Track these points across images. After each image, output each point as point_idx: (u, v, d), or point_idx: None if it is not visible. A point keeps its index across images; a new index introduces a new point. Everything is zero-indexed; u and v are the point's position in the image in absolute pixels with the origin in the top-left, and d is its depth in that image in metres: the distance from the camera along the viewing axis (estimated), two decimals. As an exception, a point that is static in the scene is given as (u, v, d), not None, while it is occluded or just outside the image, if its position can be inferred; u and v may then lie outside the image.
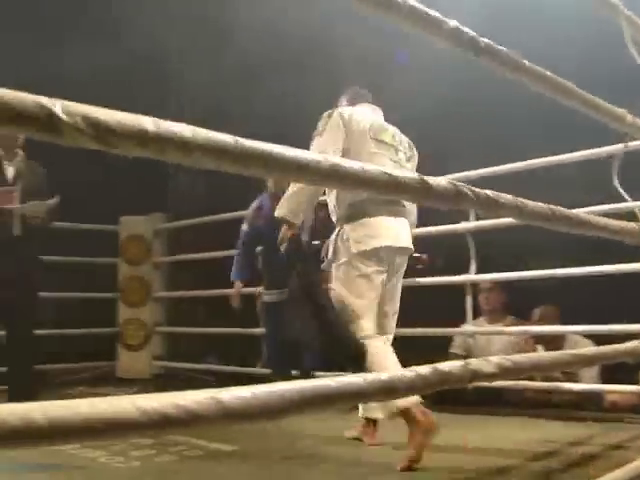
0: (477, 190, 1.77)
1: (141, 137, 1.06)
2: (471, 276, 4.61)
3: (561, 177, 4.43)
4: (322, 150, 3.25)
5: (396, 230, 3.47)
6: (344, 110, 3.62)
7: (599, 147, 4.08)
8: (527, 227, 4.13)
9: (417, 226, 4.82)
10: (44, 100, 1.01)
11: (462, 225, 4.64)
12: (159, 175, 7.59)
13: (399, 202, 3.53)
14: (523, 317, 4.90)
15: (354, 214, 3.43)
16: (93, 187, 6.46)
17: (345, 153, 3.37)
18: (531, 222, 2.13)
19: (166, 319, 7.08)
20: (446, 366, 1.69)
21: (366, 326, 3.38)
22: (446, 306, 4.80)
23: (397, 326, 4.77)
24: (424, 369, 1.59)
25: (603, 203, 3.93)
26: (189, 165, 1.16)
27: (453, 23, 1.94)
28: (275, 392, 1.27)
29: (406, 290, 5.00)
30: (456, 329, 4.93)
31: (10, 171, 4.48)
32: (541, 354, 3.05)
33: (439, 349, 5.02)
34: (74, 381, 6.14)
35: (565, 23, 4.63)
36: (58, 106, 1.01)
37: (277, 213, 3.41)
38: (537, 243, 4.77)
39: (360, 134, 3.44)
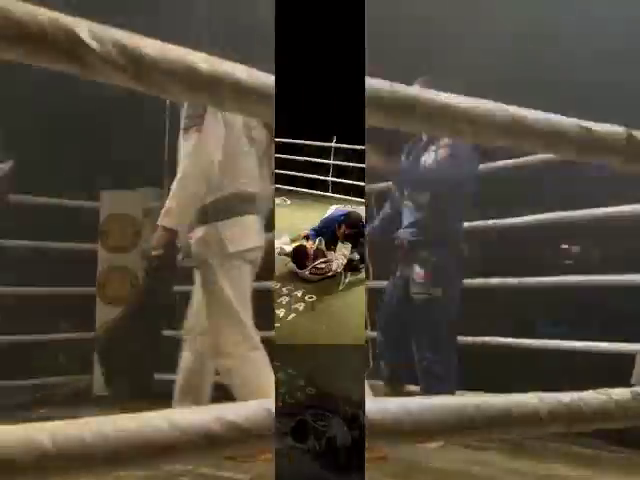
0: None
1: (191, 78, 0.82)
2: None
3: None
4: (205, 149, 3.31)
5: (259, 229, 3.54)
6: None
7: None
8: None
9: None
10: (67, 20, 0.76)
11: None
12: (153, 137, 6.44)
13: (257, 199, 3.54)
14: None
15: (222, 211, 3.42)
16: (65, 151, 5.71)
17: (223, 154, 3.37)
18: None
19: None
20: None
21: (250, 333, 3.38)
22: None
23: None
24: (620, 393, 1.27)
25: None
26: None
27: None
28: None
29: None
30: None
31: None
32: None
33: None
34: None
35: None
36: (84, 29, 0.76)
37: (166, 223, 3.31)
38: None
39: (237, 131, 3.36)
